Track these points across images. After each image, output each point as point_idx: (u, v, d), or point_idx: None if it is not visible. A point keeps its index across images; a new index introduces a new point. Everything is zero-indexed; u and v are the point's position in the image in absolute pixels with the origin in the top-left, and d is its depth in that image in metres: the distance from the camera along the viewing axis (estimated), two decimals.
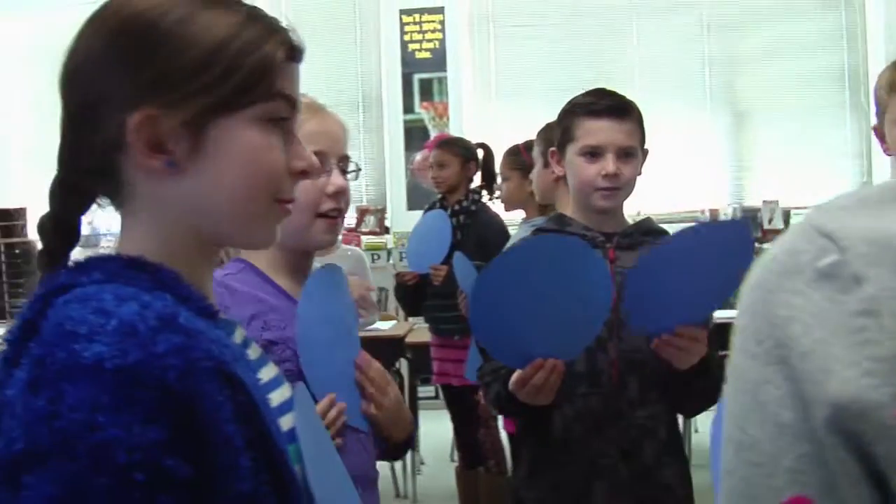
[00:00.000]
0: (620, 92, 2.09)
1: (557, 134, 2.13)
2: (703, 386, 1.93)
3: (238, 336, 1.01)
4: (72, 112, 0.92)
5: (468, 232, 4.02)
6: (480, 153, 4.27)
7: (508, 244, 3.23)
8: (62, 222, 0.94)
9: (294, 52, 0.95)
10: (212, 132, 0.90)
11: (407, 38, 7.18)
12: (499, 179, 4.08)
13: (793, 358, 0.58)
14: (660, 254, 1.87)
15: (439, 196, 4.21)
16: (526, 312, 1.82)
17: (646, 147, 2.09)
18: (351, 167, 1.63)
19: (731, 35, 7.03)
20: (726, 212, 6.25)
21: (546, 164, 2.84)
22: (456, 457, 4.51)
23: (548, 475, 2.01)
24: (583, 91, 2.12)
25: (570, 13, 7.14)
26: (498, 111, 7.17)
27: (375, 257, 6.85)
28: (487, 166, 4.26)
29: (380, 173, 7.20)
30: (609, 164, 2.00)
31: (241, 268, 1.58)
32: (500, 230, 4.03)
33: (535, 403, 1.89)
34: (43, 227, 0.94)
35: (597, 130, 2.03)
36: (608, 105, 2.04)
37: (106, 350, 0.78)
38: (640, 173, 2.08)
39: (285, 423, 1.02)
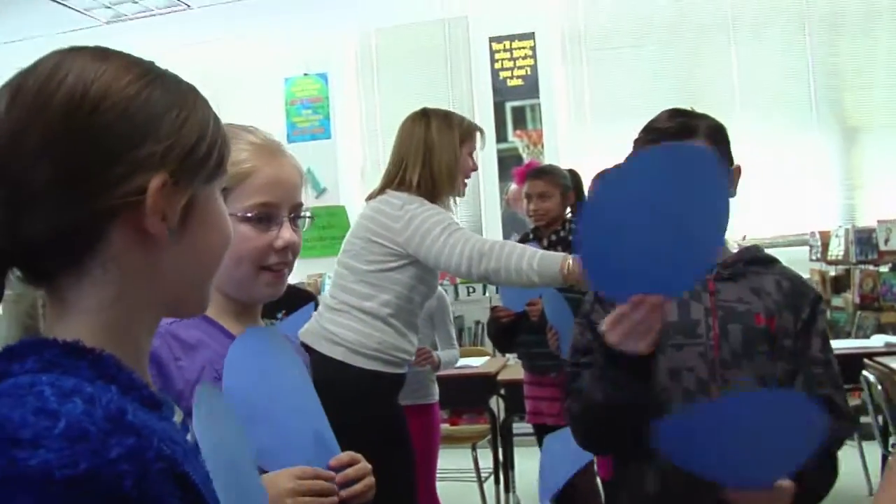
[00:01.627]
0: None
1: None
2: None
3: (177, 419, 0.94)
4: (42, 184, 0.84)
5: None
6: None
7: None
8: None
9: None
10: (197, 202, 0.92)
11: (498, 65, 7.09)
12: None
13: None
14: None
15: (532, 227, 4.05)
16: (638, 235, 1.57)
17: (736, 165, 1.91)
18: (305, 213, 1.59)
19: (836, 46, 6.72)
20: (838, 234, 5.91)
21: None
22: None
23: None
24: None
25: (664, 32, 6.94)
26: (593, 136, 6.99)
27: (471, 290, 6.71)
28: (577, 192, 4.09)
29: (474, 204, 7.08)
30: None
31: None
32: None
33: (628, 351, 1.66)
34: None
35: None
36: (662, 130, 1.88)
37: (54, 458, 0.70)
38: (734, 194, 1.90)
39: None
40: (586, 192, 3.96)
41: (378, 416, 2.90)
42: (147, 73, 0.90)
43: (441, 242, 2.84)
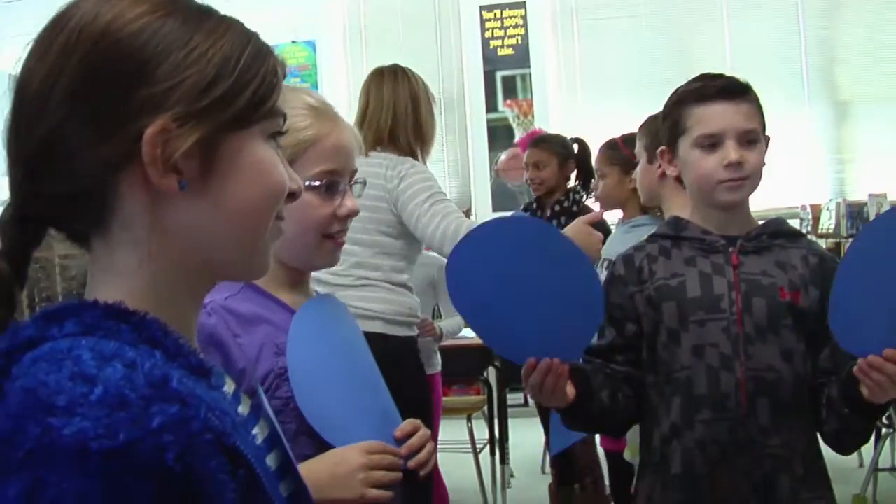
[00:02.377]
0: None
1: (665, 130, 1.92)
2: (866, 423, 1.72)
3: (227, 389, 0.88)
4: (43, 134, 0.79)
5: None
6: (575, 148, 4.05)
7: (604, 249, 2.99)
8: (16, 261, 0.81)
9: (283, 69, 0.90)
10: (223, 150, 0.82)
11: (488, 34, 7.01)
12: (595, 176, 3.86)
13: None
14: (867, 251, 1.62)
15: (535, 197, 4.00)
16: (507, 302, 1.61)
17: (767, 134, 1.87)
18: (358, 178, 1.56)
19: (829, 20, 6.69)
20: (829, 207, 5.91)
21: (650, 161, 2.62)
22: (548, 469, 4.30)
23: None
24: (687, 80, 1.92)
25: (657, 3, 6.87)
26: (585, 107, 6.94)
27: None
28: (584, 162, 4.03)
29: (464, 174, 7.03)
30: (731, 151, 1.80)
31: (239, 287, 1.47)
32: (605, 232, 3.77)
33: (548, 405, 1.74)
34: (2, 271, 0.81)
35: (711, 116, 1.82)
36: (721, 86, 1.84)
37: (90, 427, 0.65)
38: (764, 163, 1.86)
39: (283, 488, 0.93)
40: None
41: (417, 380, 2.94)
42: (163, 6, 0.81)
43: (423, 210, 2.81)
